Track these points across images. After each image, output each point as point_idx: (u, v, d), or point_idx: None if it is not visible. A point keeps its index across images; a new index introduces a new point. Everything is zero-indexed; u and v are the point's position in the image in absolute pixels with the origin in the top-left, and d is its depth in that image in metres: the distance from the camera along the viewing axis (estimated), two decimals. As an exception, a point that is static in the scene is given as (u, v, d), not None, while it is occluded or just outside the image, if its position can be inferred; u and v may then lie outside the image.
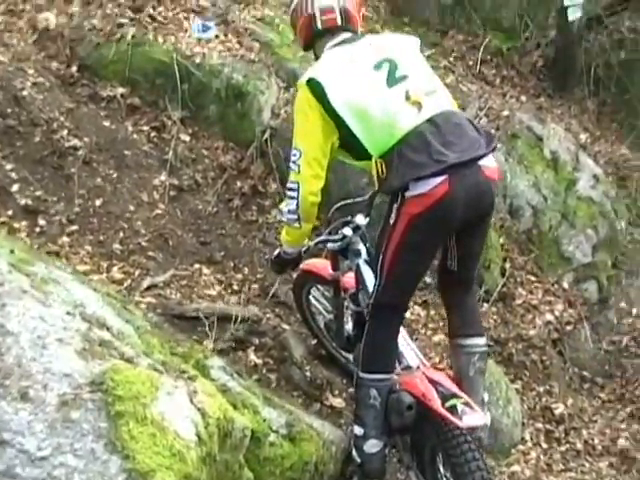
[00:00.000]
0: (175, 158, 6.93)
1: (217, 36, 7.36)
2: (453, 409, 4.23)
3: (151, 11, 7.54)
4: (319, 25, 4.58)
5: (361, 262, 4.85)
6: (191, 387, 3.28)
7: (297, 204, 4.48)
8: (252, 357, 5.60)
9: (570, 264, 7.05)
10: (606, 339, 6.78)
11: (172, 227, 6.58)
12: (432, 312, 6.31)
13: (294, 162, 4.45)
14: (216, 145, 7.10)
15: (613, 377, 6.53)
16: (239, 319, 5.68)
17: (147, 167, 6.93)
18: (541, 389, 6.23)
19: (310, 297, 5.71)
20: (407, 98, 4.32)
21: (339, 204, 5.22)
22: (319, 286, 5.64)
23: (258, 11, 7.79)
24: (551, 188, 7.17)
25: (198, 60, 7.23)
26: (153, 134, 7.09)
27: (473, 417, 4.24)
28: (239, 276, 6.42)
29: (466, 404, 4.27)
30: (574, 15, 7.76)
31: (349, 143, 4.45)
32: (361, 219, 4.94)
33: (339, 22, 4.60)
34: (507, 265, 6.87)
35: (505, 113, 7.40)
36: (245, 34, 7.53)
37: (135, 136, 7.06)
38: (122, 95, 7.23)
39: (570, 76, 8.02)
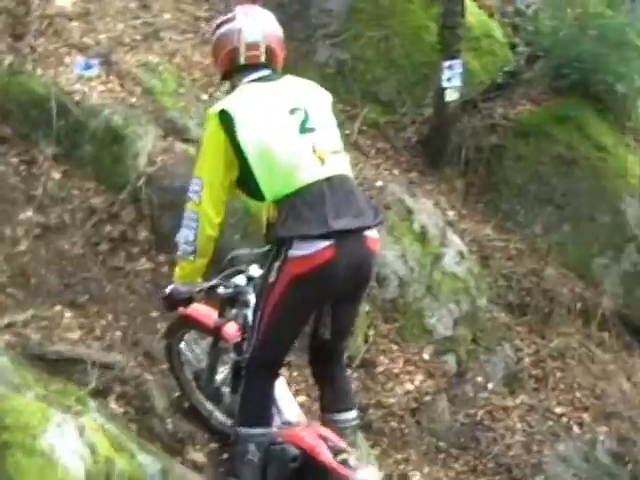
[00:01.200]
0: (44, 195, 6.55)
1: (99, 76, 7.04)
2: (345, 463, 4.10)
3: (32, 41, 7.18)
4: (242, 60, 4.41)
5: (249, 313, 4.62)
6: (79, 422, 3.00)
7: (195, 235, 4.27)
8: (113, 405, 5.25)
9: (432, 336, 6.90)
10: (462, 412, 6.60)
11: (35, 265, 6.18)
12: (295, 373, 6.05)
13: (195, 192, 4.26)
14: (87, 186, 6.72)
15: (467, 449, 6.37)
16: (99, 365, 5.34)
17: (12, 201, 6.51)
18: (399, 456, 6.01)
19: (181, 345, 5.40)
20: (313, 151, 4.23)
21: (236, 252, 5.04)
22: (192, 333, 5.37)
23: (142, 56, 7.47)
24: (418, 261, 7.04)
25: (77, 97, 6.88)
26: (22, 167, 6.69)
27: (367, 471, 4.17)
28: (102, 322, 6.03)
29: (358, 459, 4.18)
30: (451, 97, 7.72)
31: (245, 181, 4.28)
32: (255, 270, 4.74)
33: (262, 59, 4.43)
34: (371, 332, 6.67)
35: (378, 184, 7.27)
36: (127, 77, 7.20)
37: (2, 167, 6.64)
38: (-6, 125, 6.85)
39: (442, 154, 7.94)
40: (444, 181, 7.98)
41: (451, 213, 7.68)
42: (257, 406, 4.40)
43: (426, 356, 6.85)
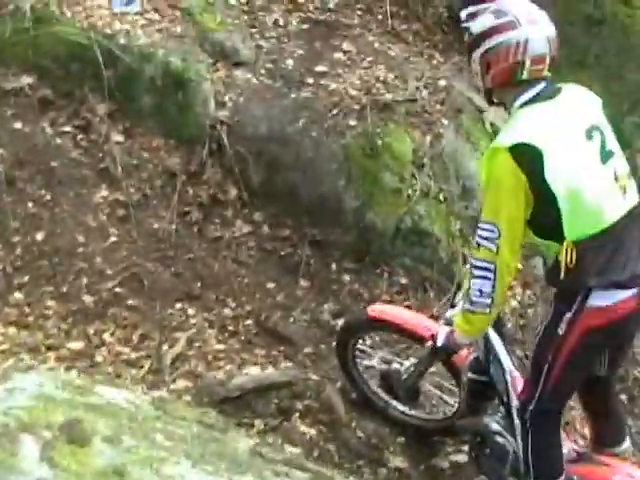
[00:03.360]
0: (113, 165, 5.25)
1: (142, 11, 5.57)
2: None
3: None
4: (525, 75, 3.39)
5: (490, 331, 3.92)
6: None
7: (493, 286, 3.41)
8: (302, 428, 4.43)
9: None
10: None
11: (137, 259, 5.02)
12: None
13: (488, 239, 3.38)
14: (156, 144, 5.41)
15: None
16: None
17: (82, 180, 5.20)
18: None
19: (358, 345, 4.62)
20: (616, 179, 3.43)
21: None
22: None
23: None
24: (497, 164, 6.25)
25: (122, 40, 5.42)
26: (80, 136, 5.31)
27: None
28: (227, 311, 5.04)
29: None
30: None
31: (542, 220, 3.41)
32: None
33: (545, 73, 3.43)
34: (467, 250, 5.98)
35: (442, 83, 6.30)
36: (160, 1, 5.77)
37: (58, 140, 5.24)
38: (30, 86, 5.34)
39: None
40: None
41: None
42: (553, 459, 3.71)
43: (519, 265, 6.26)
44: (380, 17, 6.71)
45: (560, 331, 3.48)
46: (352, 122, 5.55)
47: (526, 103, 3.42)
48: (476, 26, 3.45)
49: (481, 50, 3.43)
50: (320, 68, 6.03)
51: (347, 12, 6.69)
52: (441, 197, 5.79)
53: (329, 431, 4.46)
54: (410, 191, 5.58)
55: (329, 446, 4.41)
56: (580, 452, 3.85)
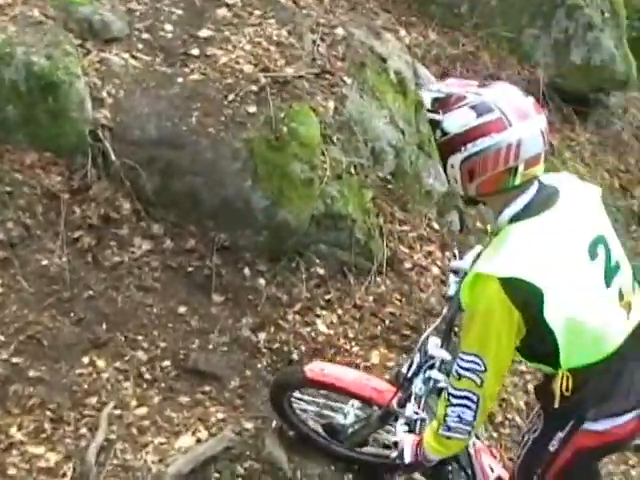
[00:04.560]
0: (-17, 197, 4.40)
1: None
2: None
3: None
4: (517, 181, 2.81)
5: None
6: None
7: (474, 415, 2.95)
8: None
9: (432, 197, 5.78)
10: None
11: (30, 313, 4.25)
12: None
13: (472, 371, 2.88)
14: (29, 161, 4.52)
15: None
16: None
17: None
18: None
19: (293, 397, 4.11)
20: (620, 298, 2.97)
21: (428, 333, 3.61)
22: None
23: None
24: (405, 119, 5.59)
25: (-31, 40, 4.42)
26: None
27: None
28: (140, 354, 4.41)
29: None
30: None
31: (534, 348, 2.95)
32: (445, 354, 3.48)
33: (539, 172, 2.87)
34: (381, 221, 5.43)
35: (340, 32, 5.50)
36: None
37: None
38: None
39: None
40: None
41: (403, 33, 6.09)
42: None
43: (435, 225, 5.79)
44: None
45: (551, 448, 3.06)
46: (251, 109, 4.78)
47: (517, 216, 2.85)
48: (452, 124, 2.77)
49: (461, 156, 2.78)
50: (204, 32, 5.14)
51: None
52: (352, 170, 5.21)
53: (276, 490, 4.05)
54: (320, 172, 4.97)
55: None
56: None
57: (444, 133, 2.80)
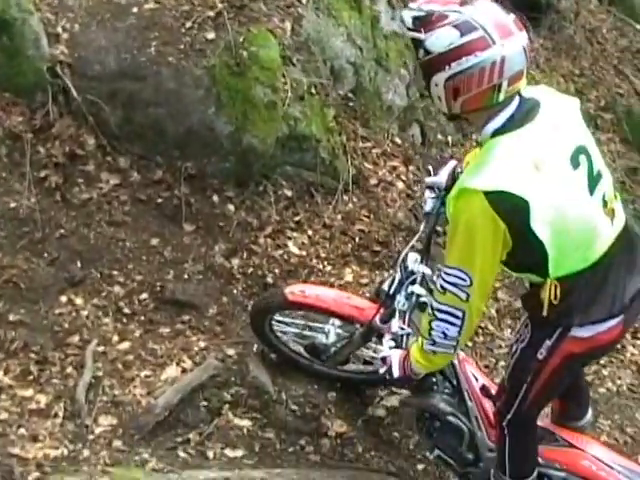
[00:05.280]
0: (-56, 144, 4.31)
1: None
2: None
3: None
4: (500, 97, 2.82)
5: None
6: None
7: (459, 331, 3.01)
8: (235, 421, 4.08)
9: (392, 112, 5.76)
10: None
11: (4, 257, 4.23)
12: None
13: (457, 286, 2.93)
14: (-12, 104, 4.48)
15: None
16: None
17: None
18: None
19: (274, 319, 4.16)
20: (604, 205, 3.02)
21: (407, 250, 3.63)
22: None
23: None
24: (361, 35, 5.50)
25: None
26: None
27: None
28: (117, 289, 4.42)
29: None
30: None
31: (521, 259, 2.98)
32: (426, 269, 3.55)
33: (522, 88, 2.89)
34: (345, 140, 5.44)
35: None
36: None
37: None
38: None
39: None
40: None
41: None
42: (529, 457, 3.50)
43: (398, 140, 5.79)
44: None
45: (540, 356, 3.16)
46: (210, 35, 4.70)
47: (500, 130, 2.86)
48: (435, 43, 2.74)
49: (446, 74, 2.77)
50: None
51: None
52: (313, 90, 5.18)
53: (263, 416, 4.12)
54: (282, 94, 4.94)
55: (268, 434, 4.08)
56: (542, 427, 3.68)
57: (427, 52, 2.78)
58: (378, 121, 5.66)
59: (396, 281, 3.62)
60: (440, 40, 2.74)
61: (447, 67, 2.76)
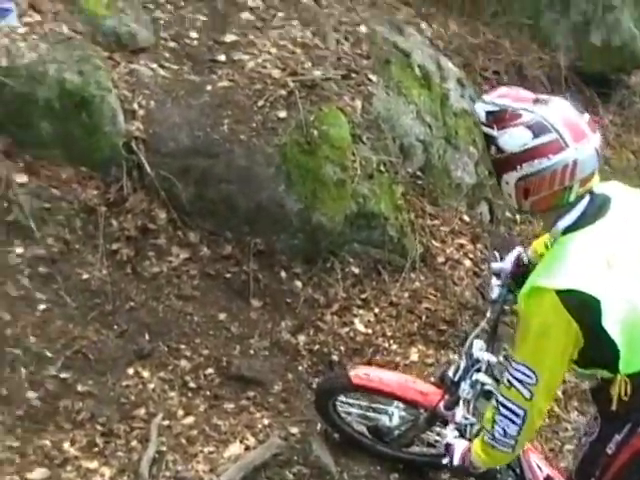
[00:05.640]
0: (23, 215, 4.43)
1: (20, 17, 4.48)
2: None
3: None
4: (571, 197, 2.80)
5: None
6: None
7: (519, 430, 2.93)
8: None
9: (461, 190, 5.78)
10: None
11: (75, 328, 4.29)
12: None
13: (523, 383, 2.86)
14: (65, 176, 4.56)
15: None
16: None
17: None
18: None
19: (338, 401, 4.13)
20: None
21: (472, 337, 3.60)
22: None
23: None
24: (431, 112, 5.57)
25: (4, 62, 4.37)
26: (-26, 187, 4.41)
27: None
28: (184, 363, 4.45)
29: None
30: None
31: (591, 356, 2.89)
32: (491, 357, 3.49)
33: (594, 185, 2.85)
34: (412, 216, 5.45)
35: (363, 30, 5.49)
36: (37, -5, 4.68)
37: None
38: None
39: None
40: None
41: (424, 26, 6.07)
42: None
43: (466, 217, 5.79)
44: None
45: (609, 451, 3.06)
46: (282, 114, 4.79)
47: (571, 227, 2.83)
48: (507, 143, 2.72)
49: (517, 175, 2.75)
50: (229, 37, 5.15)
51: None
52: (382, 168, 5.22)
53: (319, 494, 4.09)
54: (352, 172, 4.98)
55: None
56: None
57: (499, 150, 2.77)
58: (446, 199, 5.66)
59: (461, 368, 3.58)
60: (513, 140, 2.73)
61: (518, 167, 2.74)
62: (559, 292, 2.69)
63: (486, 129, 2.79)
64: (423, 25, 6.20)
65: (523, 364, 2.86)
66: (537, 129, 2.70)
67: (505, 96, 2.81)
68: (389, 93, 5.39)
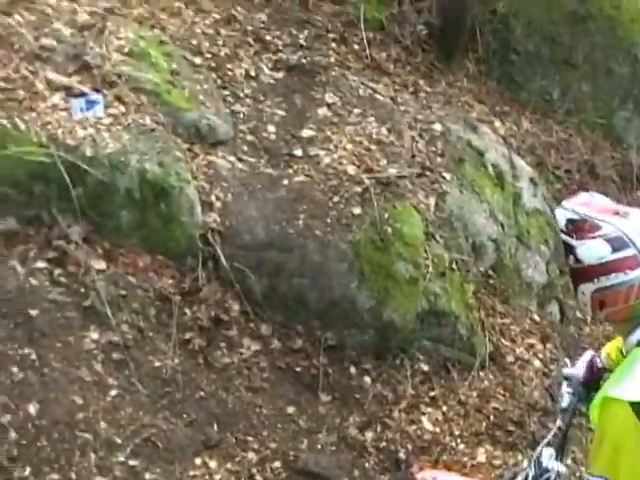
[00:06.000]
0: (99, 301, 4.51)
1: (106, 108, 4.64)
2: None
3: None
4: None
5: None
6: None
7: None
8: None
9: (532, 289, 5.75)
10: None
11: (144, 415, 4.31)
12: None
13: None
14: (142, 264, 4.65)
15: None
16: None
17: (67, 326, 4.36)
18: None
19: None
20: None
21: (542, 446, 3.46)
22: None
23: (120, 39, 5.02)
24: (504, 211, 5.60)
25: (89, 151, 4.53)
26: (57, 271, 4.50)
27: None
28: (251, 455, 4.43)
29: None
30: (468, -22, 5.88)
31: None
32: (561, 467, 3.33)
33: None
34: (482, 315, 5.43)
35: (437, 128, 5.57)
36: (121, 83, 4.84)
37: (33, 280, 4.43)
38: (-10, 219, 4.49)
39: (458, 44, 6.22)
40: (463, 73, 6.32)
41: (499, 124, 6.14)
42: None
43: (536, 317, 5.75)
44: (356, 47, 5.90)
45: None
46: (356, 210, 4.85)
47: None
48: (586, 254, 2.72)
49: (593, 286, 2.74)
50: (306, 132, 5.26)
51: (320, 46, 5.85)
52: (454, 266, 5.22)
53: None
54: (424, 270, 4.99)
55: None
56: None
57: (577, 260, 2.77)
58: (517, 298, 5.62)
59: (530, 477, 3.50)
60: (591, 252, 2.73)
61: (595, 280, 2.73)
62: (633, 404, 2.64)
63: (565, 237, 2.80)
64: (497, 123, 6.26)
65: (600, 476, 2.79)
66: (616, 243, 2.70)
67: (586, 204, 2.82)
68: (462, 191, 5.42)
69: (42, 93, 4.63)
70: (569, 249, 2.80)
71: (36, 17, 4.87)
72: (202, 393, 4.53)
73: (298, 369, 4.76)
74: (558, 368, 5.43)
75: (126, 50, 5.00)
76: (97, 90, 4.74)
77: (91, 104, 4.58)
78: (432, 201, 5.20)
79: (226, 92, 5.39)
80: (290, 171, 5.05)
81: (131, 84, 4.88)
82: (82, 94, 4.63)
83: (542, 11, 6.62)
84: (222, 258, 4.68)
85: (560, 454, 3.49)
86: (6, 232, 4.47)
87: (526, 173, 5.88)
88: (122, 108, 4.79)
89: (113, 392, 4.33)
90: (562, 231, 2.83)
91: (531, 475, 3.47)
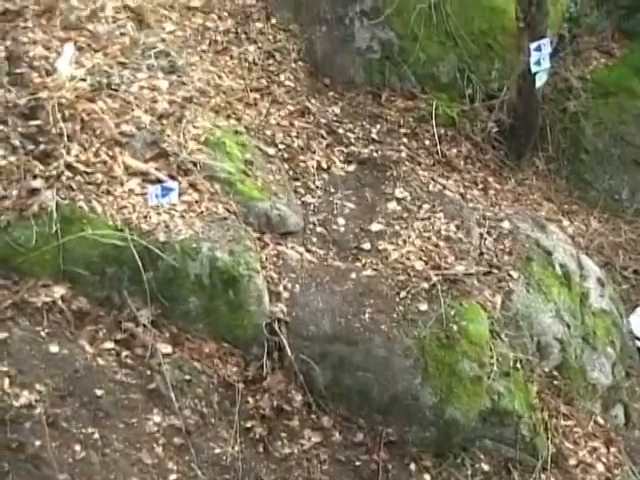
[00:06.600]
0: (163, 385, 4.54)
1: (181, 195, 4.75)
2: None
3: (65, 155, 4.71)
4: None
5: None
6: None
7: None
8: None
9: (596, 391, 5.64)
10: (642, 466, 5.55)
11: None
12: None
13: None
14: (207, 350, 4.70)
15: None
16: None
17: (131, 407, 4.42)
18: None
19: None
20: None
21: None
22: None
23: (197, 127, 5.16)
24: (570, 311, 5.53)
25: (162, 236, 4.64)
26: (124, 352, 4.56)
27: None
28: None
29: None
30: (541, 81, 5.93)
31: None
32: None
33: None
34: (547, 416, 5.34)
35: (506, 226, 5.57)
36: (195, 171, 4.96)
37: (100, 361, 4.49)
38: (62, 298, 4.58)
39: (528, 143, 6.27)
40: (532, 171, 6.35)
41: (566, 223, 6.13)
42: None
43: (600, 419, 5.63)
44: (427, 142, 5.95)
45: None
46: (423, 306, 4.83)
47: None
48: None
49: None
50: (375, 227, 5.30)
51: (392, 140, 5.93)
52: (518, 365, 5.15)
53: None
54: (488, 369, 4.94)
55: None
56: None
57: None
58: (581, 399, 5.50)
59: None
60: None
61: None
62: None
63: None
64: (565, 222, 6.24)
65: None
66: None
67: None
68: (529, 290, 5.38)
69: (120, 178, 4.75)
70: None
71: (118, 104, 5.00)
72: (261, 483, 4.50)
73: (358, 463, 4.71)
74: (622, 473, 5.31)
75: (202, 139, 5.11)
76: (172, 177, 4.83)
77: (167, 191, 4.67)
78: (498, 299, 5.17)
79: (298, 183, 5.47)
80: (358, 264, 5.07)
81: (206, 172, 4.98)
82: (158, 181, 4.72)
83: (612, 111, 6.64)
84: (287, 348, 4.69)
85: None
86: (77, 312, 4.55)
87: (594, 273, 5.81)
88: (196, 195, 4.88)
89: (173, 476, 4.33)
90: (637, 338, 2.82)
91: None
